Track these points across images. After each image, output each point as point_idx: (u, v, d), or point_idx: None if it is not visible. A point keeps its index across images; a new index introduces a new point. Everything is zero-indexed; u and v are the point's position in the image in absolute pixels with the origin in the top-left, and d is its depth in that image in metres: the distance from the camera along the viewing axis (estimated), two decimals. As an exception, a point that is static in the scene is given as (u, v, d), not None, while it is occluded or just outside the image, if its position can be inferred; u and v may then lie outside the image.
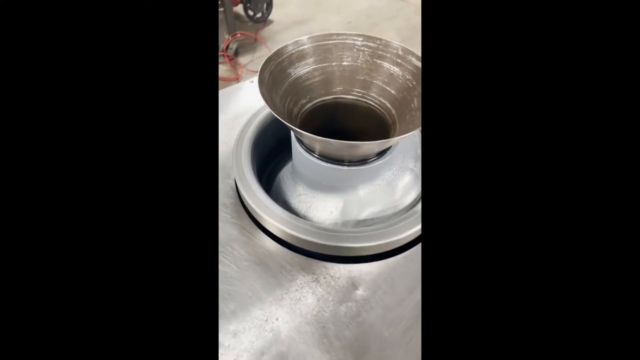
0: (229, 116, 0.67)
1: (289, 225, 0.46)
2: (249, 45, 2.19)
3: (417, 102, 0.48)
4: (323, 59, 0.54)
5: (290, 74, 0.51)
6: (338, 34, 0.53)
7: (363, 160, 0.49)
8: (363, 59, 0.54)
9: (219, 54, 2.05)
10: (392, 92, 0.53)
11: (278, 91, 0.49)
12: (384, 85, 0.54)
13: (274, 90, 0.48)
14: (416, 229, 0.47)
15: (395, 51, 0.52)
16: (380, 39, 0.53)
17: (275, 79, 0.49)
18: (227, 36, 2.03)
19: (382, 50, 0.53)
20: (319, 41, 0.53)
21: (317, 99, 0.55)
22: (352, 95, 0.56)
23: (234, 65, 2.04)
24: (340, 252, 0.46)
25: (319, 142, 0.44)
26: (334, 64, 0.54)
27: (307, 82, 0.54)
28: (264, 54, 2.15)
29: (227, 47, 2.03)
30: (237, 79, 1.99)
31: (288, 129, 0.47)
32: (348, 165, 0.48)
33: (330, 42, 0.53)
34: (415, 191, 0.54)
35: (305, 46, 0.52)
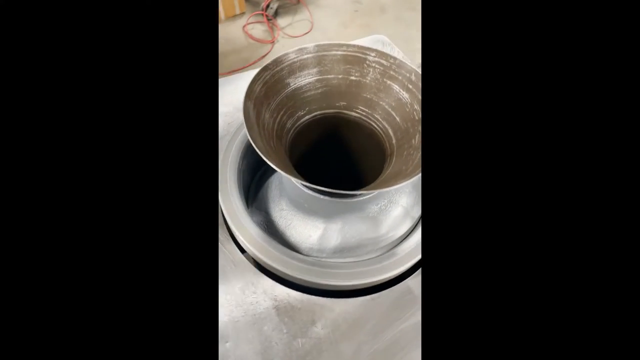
0: (231, 107, 0.64)
1: (256, 247, 0.45)
2: (290, 7, 2.09)
3: (418, 140, 0.44)
4: (329, 70, 0.49)
5: (288, 84, 0.47)
6: (348, 45, 0.48)
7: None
8: (372, 77, 0.49)
9: (259, 12, 1.97)
10: (397, 119, 0.48)
11: (270, 103, 0.45)
12: (390, 109, 0.49)
13: (264, 103, 0.44)
14: (390, 274, 0.45)
15: (408, 75, 0.46)
16: (395, 58, 0.47)
17: (269, 90, 0.45)
18: (268, -6, 1.93)
19: (395, 71, 0.47)
20: (327, 51, 0.48)
21: (317, 111, 0.51)
22: (356, 113, 0.52)
23: (272, 27, 1.96)
24: (305, 282, 0.45)
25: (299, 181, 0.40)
26: (340, 76, 0.49)
27: (308, 94, 0.49)
28: (304, 18, 2.05)
29: (268, 6, 1.95)
30: (272, 42, 1.92)
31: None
32: (330, 196, 0.45)
33: (340, 52, 0.48)
34: (402, 228, 0.51)
35: (310, 55, 0.47)
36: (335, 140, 0.54)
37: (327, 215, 0.49)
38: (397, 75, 0.47)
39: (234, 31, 1.96)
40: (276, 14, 2.01)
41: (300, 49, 0.47)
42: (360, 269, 0.44)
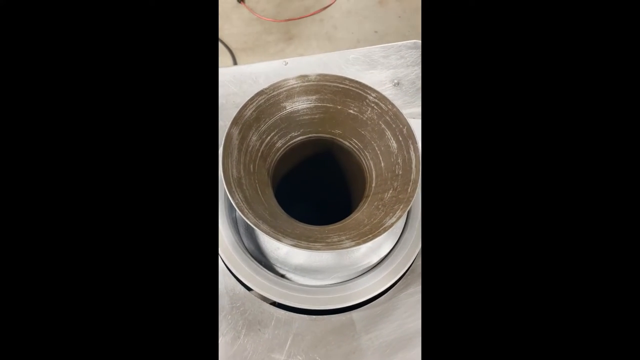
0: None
1: (226, 254, 0.50)
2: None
3: (387, 197, 0.44)
4: (329, 100, 0.49)
5: (284, 107, 0.48)
6: (351, 80, 0.47)
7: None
8: (369, 116, 0.48)
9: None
10: (382, 164, 0.48)
11: (260, 126, 0.47)
12: (379, 153, 0.49)
13: (253, 126, 0.46)
14: (331, 307, 0.48)
15: (401, 126, 0.45)
16: (393, 105, 0.46)
17: (261, 113, 0.46)
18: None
19: (390, 118, 0.46)
20: (329, 82, 0.47)
21: (313, 133, 0.52)
22: (349, 143, 0.52)
23: (340, -24, 1.83)
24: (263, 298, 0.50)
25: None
26: (338, 107, 0.49)
27: (305, 117, 0.50)
28: (378, -29, 1.88)
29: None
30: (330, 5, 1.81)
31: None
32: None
33: (341, 85, 0.47)
34: (378, 254, 0.53)
35: (311, 83, 0.47)
36: (325, 163, 0.55)
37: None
38: (391, 123, 0.46)
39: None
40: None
41: (302, 76, 0.47)
42: (304, 295, 0.49)
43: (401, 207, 0.41)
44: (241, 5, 1.75)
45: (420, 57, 0.71)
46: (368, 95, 0.47)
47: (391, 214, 0.41)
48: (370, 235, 0.40)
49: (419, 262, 0.55)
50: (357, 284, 0.50)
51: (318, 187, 0.60)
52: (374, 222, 0.42)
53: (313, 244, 0.40)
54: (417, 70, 0.70)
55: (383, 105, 0.46)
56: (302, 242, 0.39)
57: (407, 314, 0.52)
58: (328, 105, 0.49)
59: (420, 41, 0.74)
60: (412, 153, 0.44)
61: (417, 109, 0.67)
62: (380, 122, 0.47)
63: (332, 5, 1.79)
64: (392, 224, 0.40)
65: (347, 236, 0.41)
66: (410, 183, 0.42)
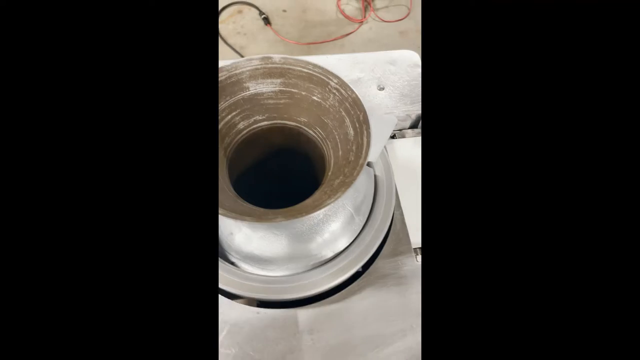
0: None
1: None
2: (393, -11, 1.98)
3: (337, 183, 0.42)
4: (293, 85, 0.48)
5: (247, 87, 0.48)
6: (315, 65, 0.46)
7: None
8: (331, 103, 0.47)
9: (358, -12, 1.91)
10: (339, 153, 0.46)
11: (221, 102, 0.47)
12: (338, 141, 0.47)
13: (212, 102, 0.46)
14: (293, 295, 0.46)
15: (359, 113, 0.44)
16: (353, 92, 0.45)
17: (221, 90, 0.46)
18: (373, -28, 1.86)
19: (350, 105, 0.45)
20: (293, 65, 0.47)
21: (278, 119, 0.51)
22: (314, 132, 0.51)
23: (366, 6, 1.90)
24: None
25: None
26: (303, 93, 0.49)
27: (270, 102, 0.50)
28: (403, 4, 1.94)
29: (368, -17, 1.88)
30: (361, 22, 1.87)
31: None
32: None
33: (305, 70, 0.47)
34: (333, 249, 0.50)
35: (276, 65, 0.47)
36: (291, 153, 0.54)
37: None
38: (350, 110, 0.45)
39: (328, 3, 1.95)
40: (375, -7, 1.93)
41: (266, 57, 0.47)
42: (248, 282, 0.46)
43: (343, 189, 0.39)
44: (267, 28, 1.83)
45: (407, 67, 0.71)
46: (330, 81, 0.46)
47: (333, 196, 0.39)
48: (303, 213, 0.38)
49: (379, 266, 0.51)
50: (305, 277, 0.47)
51: (283, 176, 0.59)
52: (315, 205, 0.40)
53: (243, 215, 0.38)
54: (404, 78, 0.69)
55: (343, 92, 0.45)
56: (232, 213, 0.37)
57: (357, 319, 0.48)
58: (293, 90, 0.49)
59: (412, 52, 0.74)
60: (364, 139, 0.42)
61: (397, 111, 0.66)
62: (341, 110, 0.46)
63: (354, 33, 1.84)
64: (327, 204, 0.38)
65: (283, 215, 0.39)
66: (357, 167, 0.40)
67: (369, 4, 1.91)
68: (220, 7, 1.89)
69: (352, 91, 0.45)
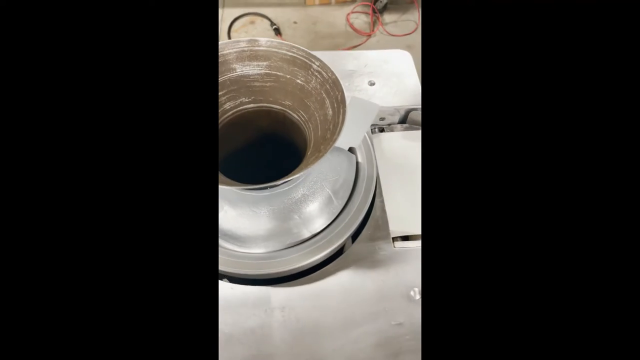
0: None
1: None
2: (401, 5, 2.03)
3: (312, 160, 0.43)
4: (278, 68, 0.50)
5: (234, 69, 0.50)
6: (298, 48, 0.48)
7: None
8: (314, 85, 0.48)
9: (367, 3, 1.97)
10: (319, 133, 0.47)
11: (207, 82, 0.49)
12: (318, 123, 0.48)
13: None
14: (267, 270, 0.46)
15: (337, 93, 0.45)
16: (333, 73, 0.46)
17: (209, 69, 0.48)
18: (382, -13, 1.91)
19: (330, 86, 0.46)
20: (277, 49, 0.49)
21: (264, 103, 0.53)
22: (298, 116, 0.52)
23: (374, 20, 1.94)
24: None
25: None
26: (287, 76, 0.50)
27: (256, 84, 0.51)
28: (411, 19, 1.98)
29: (378, -1, 1.93)
30: (369, 35, 1.91)
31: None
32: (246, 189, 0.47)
33: (289, 53, 0.49)
34: (320, 223, 0.50)
35: (261, 48, 0.49)
36: (273, 135, 0.56)
37: (230, 199, 0.52)
38: (330, 91, 0.46)
39: (338, 16, 2.00)
40: (384, 8, 1.98)
41: (252, 40, 0.49)
42: (223, 257, 0.47)
43: (315, 161, 0.40)
44: (278, 38, 1.89)
45: (399, 66, 0.73)
46: (312, 64, 0.48)
47: (304, 168, 0.40)
48: (268, 184, 0.39)
49: (355, 250, 0.51)
50: (280, 254, 0.48)
51: (269, 161, 0.60)
52: (290, 174, 0.41)
53: (231, 182, 0.39)
54: (395, 75, 0.71)
55: (324, 73, 0.47)
56: (224, 178, 0.39)
57: (329, 300, 0.48)
58: (278, 73, 0.51)
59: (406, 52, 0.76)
60: (340, 117, 0.44)
61: (386, 105, 0.67)
62: (322, 92, 0.48)
63: (361, 45, 1.88)
64: (294, 175, 0.39)
65: (261, 184, 0.40)
66: (331, 142, 0.41)
67: (378, 18, 1.95)
68: (233, 18, 1.96)
69: (332, 73, 0.46)
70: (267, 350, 0.44)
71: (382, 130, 0.68)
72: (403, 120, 0.69)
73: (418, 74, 0.72)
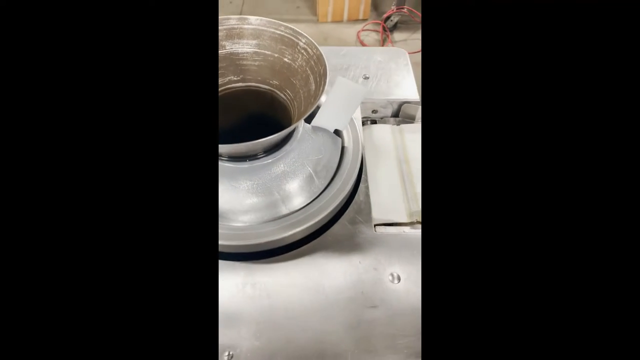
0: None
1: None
2: (411, 24, 2.07)
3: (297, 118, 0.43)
4: (266, 46, 0.51)
5: (224, 46, 0.51)
6: (286, 27, 0.49)
7: (244, 158, 0.47)
8: (300, 63, 0.49)
9: (378, 21, 2.01)
10: (302, 109, 0.47)
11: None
12: (302, 100, 0.48)
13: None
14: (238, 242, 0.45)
15: (320, 68, 0.45)
16: (318, 49, 0.46)
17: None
18: (393, 7, 1.96)
19: (314, 62, 0.47)
20: (266, 27, 0.50)
21: (252, 82, 0.54)
22: (284, 95, 0.52)
23: (384, 38, 1.98)
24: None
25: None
26: (275, 55, 0.51)
27: (245, 63, 0.52)
28: (420, 38, 2.01)
29: (388, 18, 1.97)
30: (378, 52, 1.94)
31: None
32: (227, 161, 0.47)
33: (278, 32, 0.50)
34: (299, 200, 0.49)
35: (251, 26, 0.50)
36: (260, 116, 0.56)
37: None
38: (314, 67, 0.47)
39: (349, 33, 2.05)
40: (395, 27, 2.02)
41: (242, 18, 0.50)
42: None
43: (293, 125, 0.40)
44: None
45: (395, 63, 0.73)
46: (299, 42, 0.48)
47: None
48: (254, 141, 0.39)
49: (335, 231, 0.50)
50: (254, 228, 0.47)
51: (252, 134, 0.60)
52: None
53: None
54: (390, 71, 0.71)
55: (310, 50, 0.47)
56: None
57: (303, 278, 0.46)
58: (267, 52, 0.51)
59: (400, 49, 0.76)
60: (320, 89, 0.43)
61: (378, 98, 0.67)
62: (307, 68, 0.48)
63: (370, 61, 1.91)
64: (265, 139, 0.39)
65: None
66: (310, 106, 0.41)
67: (388, 36, 1.99)
68: (248, 31, 2.03)
69: (317, 49, 0.47)
70: (233, 324, 0.43)
71: (374, 122, 0.68)
72: (396, 114, 0.68)
73: (414, 71, 0.72)
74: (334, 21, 2.12)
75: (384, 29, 1.99)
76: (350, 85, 0.52)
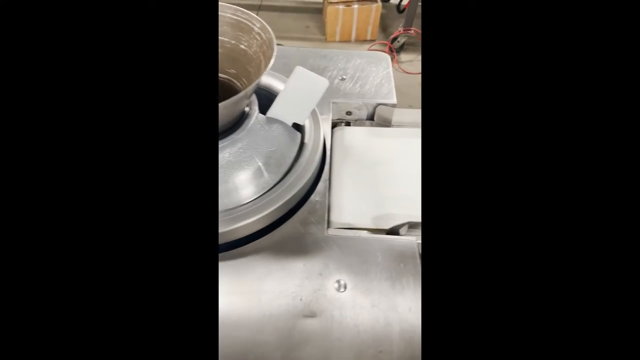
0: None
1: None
2: (418, 46, 2.06)
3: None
4: (223, 33, 0.49)
5: (180, 31, 0.49)
6: (243, 12, 0.47)
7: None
8: (255, 49, 0.46)
9: (385, 42, 2.02)
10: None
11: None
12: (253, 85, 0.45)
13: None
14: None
15: (271, 52, 0.42)
16: (270, 32, 0.44)
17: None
18: (400, 28, 1.96)
19: (267, 47, 0.44)
20: (223, 12, 0.48)
21: (211, 71, 0.51)
22: (240, 84, 0.50)
23: (391, 58, 1.97)
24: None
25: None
26: (232, 42, 0.48)
27: (203, 49, 0.50)
28: (428, 60, 1.99)
29: (395, 39, 1.97)
30: (384, 71, 1.93)
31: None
32: None
33: (234, 17, 0.47)
34: (245, 194, 0.45)
35: (208, 11, 0.48)
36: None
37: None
38: (266, 51, 0.44)
39: (356, 52, 2.05)
40: (402, 48, 2.02)
41: (199, 2, 0.48)
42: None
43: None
44: (294, 67, 1.95)
45: (375, 66, 0.70)
46: (254, 27, 0.46)
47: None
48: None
49: (285, 229, 0.46)
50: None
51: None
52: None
53: None
54: (370, 74, 0.68)
55: (263, 35, 0.45)
56: None
57: (249, 274, 0.41)
58: (224, 39, 0.49)
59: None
60: (262, 70, 0.40)
61: (353, 99, 0.64)
62: (260, 54, 0.45)
63: (375, 80, 1.90)
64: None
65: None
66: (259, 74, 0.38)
67: (394, 56, 1.98)
68: (256, 47, 2.06)
69: (270, 33, 0.44)
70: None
71: (348, 124, 0.64)
72: (371, 117, 0.65)
73: (395, 76, 0.69)
74: (341, 40, 2.13)
75: (390, 49, 1.98)
76: (311, 76, 0.49)
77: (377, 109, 0.63)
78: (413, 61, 1.99)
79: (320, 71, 0.67)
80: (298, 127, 0.52)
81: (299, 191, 0.46)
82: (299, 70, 0.48)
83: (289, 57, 0.70)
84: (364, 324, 0.39)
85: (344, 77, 0.66)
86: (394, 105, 0.62)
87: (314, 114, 0.54)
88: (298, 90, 0.49)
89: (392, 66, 0.72)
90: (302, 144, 0.51)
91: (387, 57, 0.73)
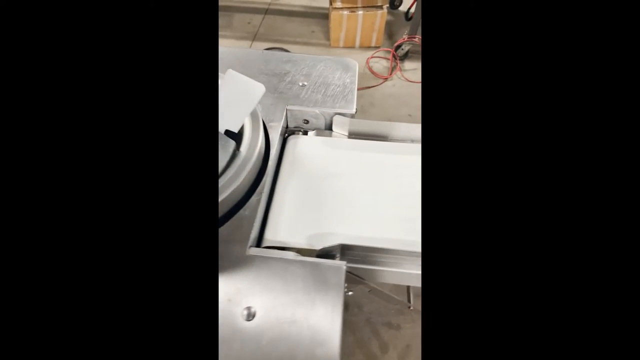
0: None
1: None
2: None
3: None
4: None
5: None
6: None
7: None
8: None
9: (389, 49, 1.97)
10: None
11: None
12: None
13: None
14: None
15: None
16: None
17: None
18: (405, 35, 1.91)
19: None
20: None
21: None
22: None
23: (394, 66, 1.92)
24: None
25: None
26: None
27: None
28: (433, 69, 1.94)
29: (399, 46, 1.92)
30: (385, 79, 1.88)
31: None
32: None
33: None
34: None
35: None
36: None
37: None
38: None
39: (359, 59, 2.01)
40: (406, 56, 1.96)
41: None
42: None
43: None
44: (295, 72, 1.92)
45: (340, 73, 0.66)
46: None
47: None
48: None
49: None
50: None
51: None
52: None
53: None
54: (333, 82, 0.64)
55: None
56: None
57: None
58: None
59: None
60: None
61: (310, 107, 0.60)
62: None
63: (376, 87, 1.86)
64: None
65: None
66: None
67: (398, 64, 1.93)
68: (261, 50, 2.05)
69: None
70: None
71: (305, 133, 0.60)
72: (329, 127, 0.60)
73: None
74: (345, 47, 2.10)
75: (394, 57, 1.94)
76: (246, 81, 0.45)
77: (334, 118, 0.58)
78: (417, 69, 1.94)
79: (280, 77, 0.64)
80: (233, 135, 0.48)
81: (221, 204, 0.43)
82: (232, 74, 0.44)
83: (254, 61, 0.67)
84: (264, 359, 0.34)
85: (305, 83, 0.63)
86: (352, 115, 0.58)
87: (256, 120, 0.50)
88: (231, 95, 0.45)
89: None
90: (234, 153, 0.47)
91: (355, 63, 0.69)
